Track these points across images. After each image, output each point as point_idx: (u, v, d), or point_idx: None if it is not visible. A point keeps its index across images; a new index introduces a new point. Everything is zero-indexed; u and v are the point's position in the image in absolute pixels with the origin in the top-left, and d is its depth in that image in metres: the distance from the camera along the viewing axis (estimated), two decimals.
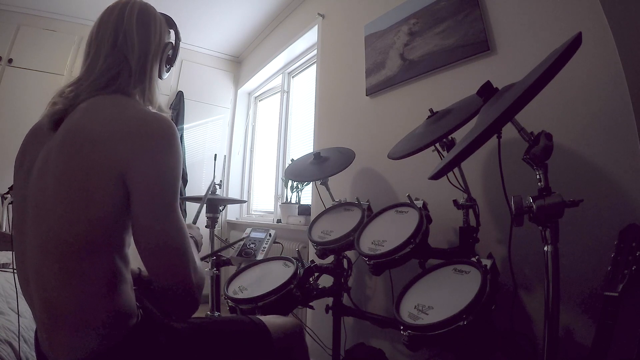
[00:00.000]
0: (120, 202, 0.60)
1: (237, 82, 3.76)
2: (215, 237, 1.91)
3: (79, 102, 0.66)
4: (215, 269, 1.80)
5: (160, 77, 0.82)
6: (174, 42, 0.84)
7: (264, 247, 1.72)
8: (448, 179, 1.09)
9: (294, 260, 1.28)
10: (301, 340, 0.90)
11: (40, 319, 0.62)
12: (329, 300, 1.39)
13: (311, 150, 2.02)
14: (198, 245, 0.87)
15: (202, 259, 1.19)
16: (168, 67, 0.84)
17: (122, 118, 0.63)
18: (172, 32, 0.85)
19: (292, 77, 3.07)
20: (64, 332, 0.59)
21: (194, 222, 1.15)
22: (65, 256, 0.58)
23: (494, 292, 0.80)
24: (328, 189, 1.60)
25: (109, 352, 0.60)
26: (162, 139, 0.62)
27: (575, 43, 0.56)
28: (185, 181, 3.23)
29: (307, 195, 2.45)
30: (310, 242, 1.39)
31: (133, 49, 0.72)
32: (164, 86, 3.13)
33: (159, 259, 0.60)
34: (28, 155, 0.69)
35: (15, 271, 0.70)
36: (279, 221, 2.58)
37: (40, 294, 0.60)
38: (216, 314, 1.80)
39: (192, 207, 3.12)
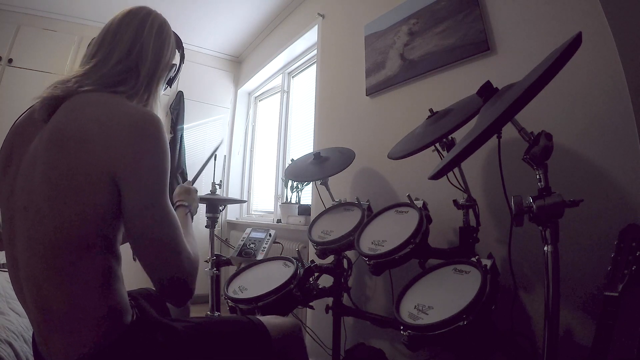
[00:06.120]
0: (111, 200, 0.60)
1: (237, 82, 3.76)
2: (215, 237, 1.91)
3: (77, 94, 0.66)
4: (215, 269, 1.80)
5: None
6: (178, 64, 0.88)
7: (264, 247, 1.73)
8: (448, 179, 1.09)
9: (294, 260, 1.28)
10: (300, 340, 0.90)
11: (35, 321, 0.62)
12: (329, 300, 1.39)
13: (311, 150, 2.02)
14: (192, 214, 0.88)
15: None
16: (166, 87, 0.88)
17: (110, 116, 0.62)
18: (178, 54, 0.89)
19: (292, 77, 3.07)
20: (59, 333, 0.59)
21: (193, 182, 1.11)
22: (56, 256, 0.58)
23: (494, 292, 0.80)
24: (328, 189, 1.60)
25: (107, 351, 0.60)
26: (149, 137, 0.62)
27: (575, 43, 0.56)
28: (184, 181, 3.23)
29: (307, 195, 2.45)
30: (310, 242, 1.38)
31: (145, 61, 0.75)
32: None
33: (151, 252, 0.61)
34: (14, 154, 0.67)
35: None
36: (279, 221, 2.58)
37: (33, 296, 0.60)
38: (216, 314, 1.80)
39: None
